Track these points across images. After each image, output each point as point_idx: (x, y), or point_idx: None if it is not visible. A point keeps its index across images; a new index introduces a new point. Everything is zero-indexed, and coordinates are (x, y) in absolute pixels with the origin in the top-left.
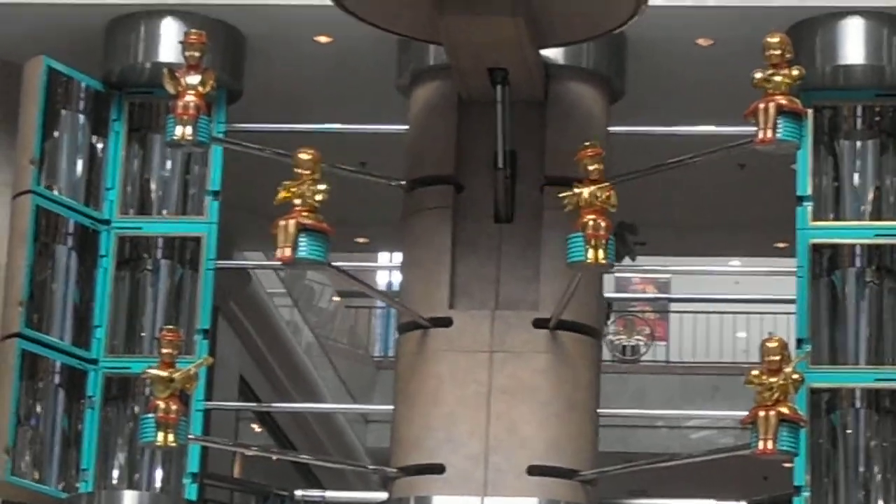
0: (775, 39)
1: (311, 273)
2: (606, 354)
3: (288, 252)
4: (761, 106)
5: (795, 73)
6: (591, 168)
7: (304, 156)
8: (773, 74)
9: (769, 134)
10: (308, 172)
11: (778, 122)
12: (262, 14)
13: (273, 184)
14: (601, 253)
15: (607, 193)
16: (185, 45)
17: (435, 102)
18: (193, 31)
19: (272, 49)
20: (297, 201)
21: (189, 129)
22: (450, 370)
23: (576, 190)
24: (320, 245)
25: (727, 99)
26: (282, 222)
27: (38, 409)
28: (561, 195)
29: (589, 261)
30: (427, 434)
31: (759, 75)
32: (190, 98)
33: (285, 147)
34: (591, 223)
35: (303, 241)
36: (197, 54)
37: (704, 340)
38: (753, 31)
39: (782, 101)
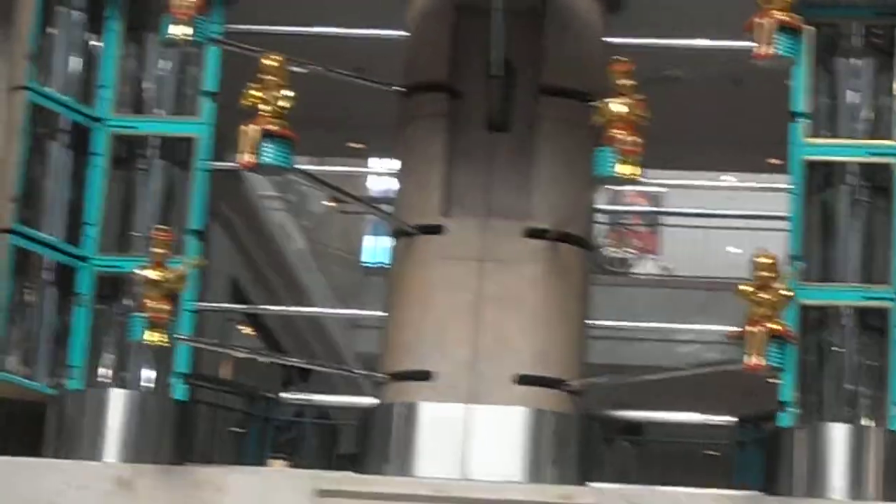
0: None
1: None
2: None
3: (249, 157)
4: (760, 20)
5: None
6: (621, 82)
7: (269, 62)
8: None
9: (767, 49)
10: (274, 78)
11: (776, 36)
12: None
13: None
14: (630, 168)
15: (639, 107)
16: None
17: (432, 8)
18: None
19: None
20: (263, 107)
21: (185, 29)
22: (441, 277)
23: (608, 103)
24: (284, 151)
25: (725, 12)
26: (243, 128)
27: (29, 305)
28: (592, 104)
29: (619, 174)
30: (416, 340)
31: None
32: None
33: (282, 51)
34: (622, 137)
35: (267, 147)
36: None
37: (696, 255)
38: None
39: (781, 16)
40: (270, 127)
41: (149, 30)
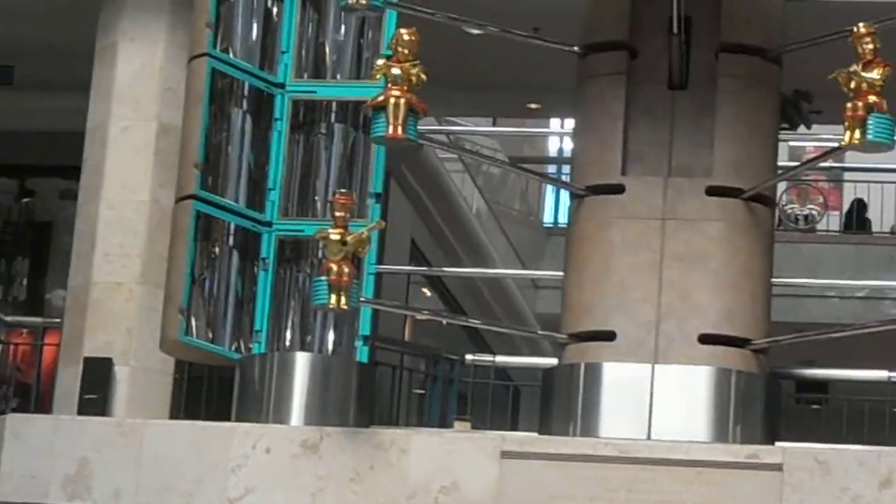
0: (864, 30)
1: (481, 139)
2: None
3: (400, 131)
4: (850, 106)
5: (888, 71)
6: (865, 48)
7: (407, 36)
8: (861, 71)
9: (857, 136)
10: (407, 52)
11: (868, 122)
12: None
13: (444, 48)
14: (858, 134)
15: (887, 71)
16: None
17: None
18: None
19: None
20: (397, 74)
21: None
22: (622, 237)
23: (853, 71)
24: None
25: None
26: (392, 100)
27: (213, 270)
28: (834, 76)
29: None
30: (598, 301)
31: (851, 71)
32: None
33: (457, 12)
34: (861, 104)
35: (412, 120)
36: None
37: (879, 210)
38: None
39: (873, 101)
40: (413, 100)
41: None
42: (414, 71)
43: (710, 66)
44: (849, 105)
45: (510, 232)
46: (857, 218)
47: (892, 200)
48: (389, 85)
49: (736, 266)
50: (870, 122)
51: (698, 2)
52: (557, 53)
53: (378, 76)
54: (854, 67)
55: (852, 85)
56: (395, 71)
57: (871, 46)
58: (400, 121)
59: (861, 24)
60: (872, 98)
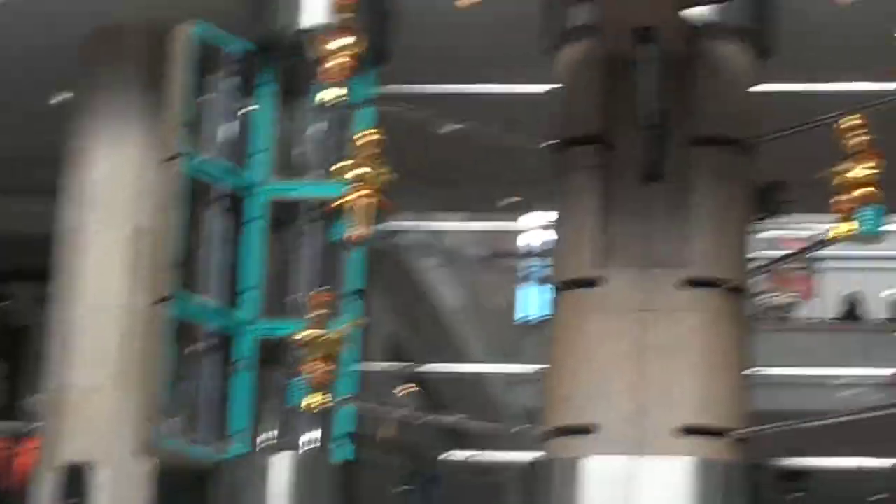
0: None
1: (456, 235)
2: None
3: (365, 231)
4: None
5: None
6: (853, 142)
7: (369, 137)
8: None
9: None
10: (371, 155)
11: None
12: None
13: (420, 145)
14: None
15: (875, 161)
16: (336, 7)
17: (582, 62)
18: None
19: (418, 12)
20: (365, 178)
21: (339, 91)
22: (601, 329)
23: (843, 168)
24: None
25: (877, 54)
26: (357, 200)
27: (191, 372)
28: (826, 174)
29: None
30: (579, 393)
31: None
32: (340, 60)
33: (431, 109)
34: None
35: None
36: (347, 17)
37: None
38: None
39: None
40: (378, 200)
41: (301, 93)
42: (379, 171)
43: (684, 157)
44: (843, 197)
45: (489, 327)
46: (851, 312)
47: (872, 290)
48: (355, 185)
49: (714, 356)
50: (862, 213)
51: (672, 95)
52: (532, 149)
53: (344, 177)
54: (846, 161)
55: (844, 175)
56: (361, 171)
57: (859, 140)
58: (365, 221)
59: (849, 118)
60: (863, 189)
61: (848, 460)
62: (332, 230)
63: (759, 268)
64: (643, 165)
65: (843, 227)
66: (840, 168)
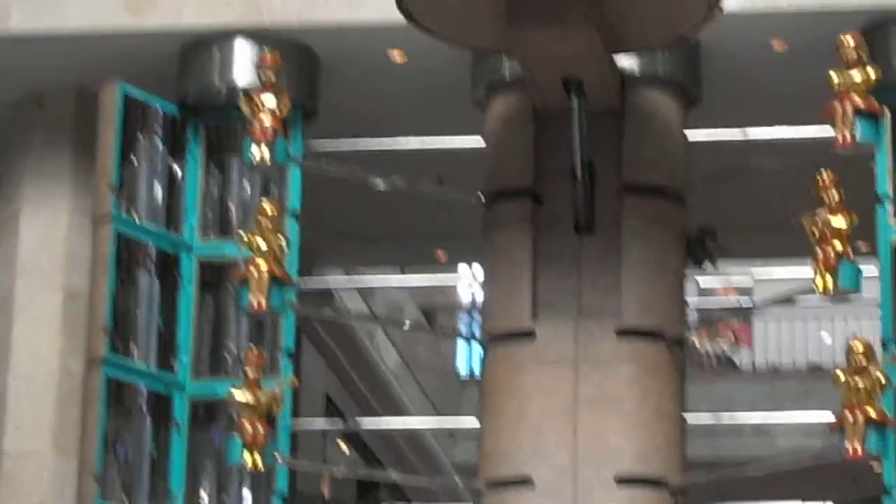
0: (850, 39)
1: (393, 292)
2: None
3: (263, 301)
4: (838, 107)
5: (872, 73)
6: (829, 197)
7: (268, 207)
8: (849, 75)
9: (847, 136)
10: (269, 223)
11: (855, 122)
12: (334, 33)
13: (351, 201)
14: (830, 280)
15: (847, 218)
16: (260, 66)
17: (511, 115)
18: (268, 52)
19: (346, 67)
20: (263, 249)
21: (267, 151)
22: (535, 382)
23: (817, 216)
24: (282, 294)
25: (803, 102)
26: (254, 271)
27: (126, 434)
28: (800, 221)
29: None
30: (515, 447)
31: (835, 76)
32: (266, 119)
33: (362, 163)
34: (832, 252)
35: (276, 290)
36: (272, 75)
37: (790, 344)
38: (828, 33)
39: (859, 101)
40: (276, 270)
41: (231, 153)
42: (277, 242)
43: (614, 208)
44: (819, 252)
45: (425, 383)
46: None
47: (803, 337)
48: (253, 256)
49: (649, 407)
50: (841, 269)
51: (601, 145)
52: (463, 202)
53: (243, 248)
54: (822, 215)
55: (816, 231)
56: (261, 242)
57: (836, 195)
58: (263, 292)
59: (824, 171)
60: (839, 244)
61: None
62: (239, 298)
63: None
64: (573, 217)
65: (823, 282)
66: (817, 217)
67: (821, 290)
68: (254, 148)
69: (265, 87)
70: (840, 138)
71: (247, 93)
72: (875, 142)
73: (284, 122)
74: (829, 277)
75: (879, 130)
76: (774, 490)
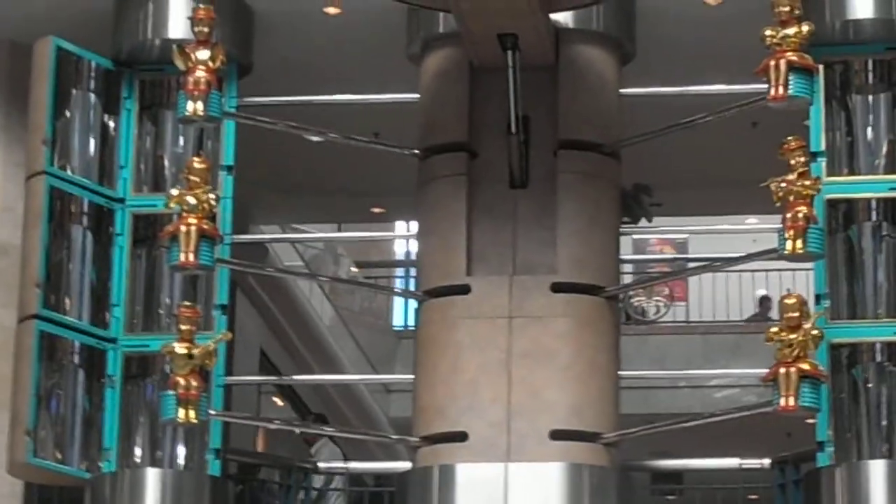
0: None
1: (328, 245)
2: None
3: (192, 258)
4: (772, 63)
5: (806, 29)
6: (795, 161)
7: (198, 164)
8: (783, 31)
9: (780, 90)
10: (199, 180)
11: (789, 78)
12: None
13: (287, 156)
14: (799, 243)
15: (812, 183)
16: (194, 20)
17: (446, 70)
18: (202, 6)
19: (281, 22)
20: (192, 203)
21: (200, 105)
22: (470, 337)
23: (784, 180)
24: (210, 250)
25: (738, 58)
26: (183, 228)
27: (59, 389)
28: (768, 184)
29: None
30: (449, 402)
31: (769, 32)
32: (200, 73)
33: (297, 119)
34: (801, 215)
35: (205, 247)
36: (206, 30)
37: (724, 299)
38: None
39: (793, 57)
40: (205, 226)
41: (164, 107)
42: (205, 198)
43: (549, 163)
44: (787, 216)
45: (360, 337)
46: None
47: (737, 291)
48: (184, 213)
49: (583, 361)
50: (808, 233)
51: (536, 101)
52: (399, 157)
53: (172, 205)
54: (790, 177)
55: (781, 194)
56: (190, 199)
57: (802, 159)
58: (192, 248)
59: (791, 138)
60: (805, 209)
61: (720, 460)
62: (168, 256)
63: (628, 271)
64: (508, 172)
65: (792, 245)
66: (787, 178)
67: (789, 251)
68: (188, 102)
69: (199, 40)
70: (773, 92)
71: (180, 46)
72: (808, 96)
73: (219, 78)
74: (799, 241)
75: (813, 86)
76: (710, 446)
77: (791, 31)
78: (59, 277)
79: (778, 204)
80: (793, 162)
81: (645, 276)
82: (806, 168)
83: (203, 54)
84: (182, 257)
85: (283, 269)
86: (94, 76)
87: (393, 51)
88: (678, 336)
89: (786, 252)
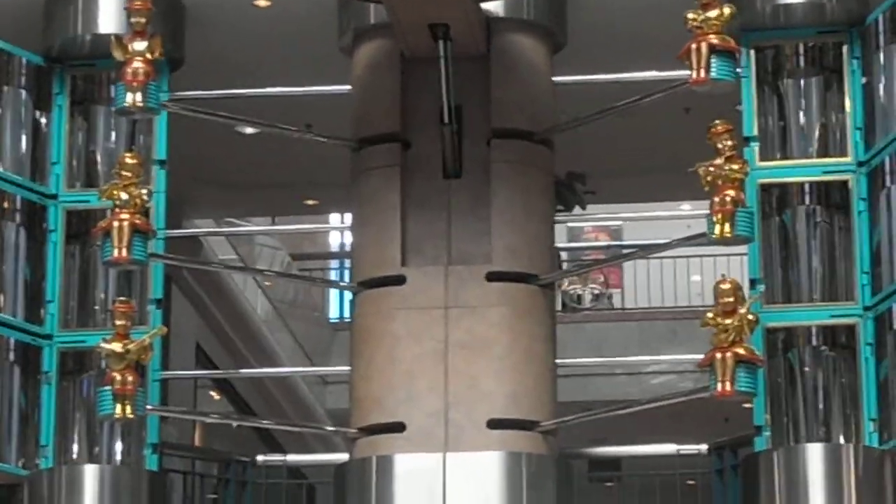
0: None
1: (262, 238)
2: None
3: (125, 253)
4: (693, 46)
5: (727, 11)
6: (722, 144)
7: (129, 159)
8: (704, 14)
9: (702, 74)
10: (131, 175)
11: (711, 61)
12: None
13: (219, 151)
14: (727, 227)
15: (740, 166)
16: (130, 11)
17: (378, 61)
18: None
19: (212, 15)
20: (124, 198)
21: (139, 96)
22: (406, 328)
23: (712, 165)
24: (143, 245)
25: (669, 44)
26: (116, 223)
27: None
28: (696, 169)
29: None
30: (386, 393)
31: (691, 16)
32: (138, 64)
33: (227, 111)
34: (728, 199)
35: (137, 242)
36: (143, 20)
37: (659, 286)
38: None
39: (714, 40)
40: (138, 221)
41: (96, 103)
42: (136, 193)
43: (482, 153)
44: (716, 199)
45: (296, 329)
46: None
47: (671, 277)
48: (116, 208)
49: (519, 350)
50: (737, 216)
51: (468, 90)
52: (332, 149)
53: (104, 199)
54: (717, 161)
55: (710, 178)
56: (122, 194)
57: (730, 142)
58: (125, 244)
59: (718, 122)
60: (733, 192)
61: (658, 447)
62: (101, 252)
63: (563, 259)
64: (442, 162)
65: (720, 229)
66: (715, 163)
67: (717, 236)
68: (126, 94)
69: (135, 31)
70: (695, 75)
71: (118, 38)
72: (732, 79)
73: (153, 69)
74: (727, 225)
75: (735, 69)
76: (648, 433)
77: (713, 13)
78: None
79: (707, 189)
80: (720, 146)
81: (578, 264)
82: (733, 152)
83: (140, 45)
84: (115, 253)
85: (217, 262)
86: (25, 72)
87: (324, 43)
88: (614, 323)
89: (714, 236)
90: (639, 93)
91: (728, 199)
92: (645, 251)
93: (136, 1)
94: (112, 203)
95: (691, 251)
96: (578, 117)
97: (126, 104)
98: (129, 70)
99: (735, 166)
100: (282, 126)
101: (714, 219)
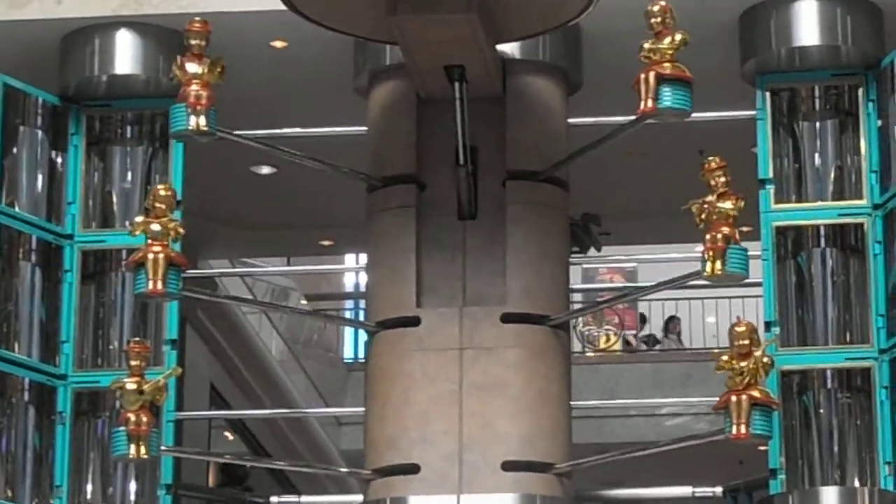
0: (655, 7)
1: (277, 278)
2: (577, 346)
3: (160, 286)
4: (642, 76)
5: (679, 38)
6: (715, 181)
7: (163, 191)
8: (658, 43)
9: (650, 104)
10: (165, 207)
11: (662, 90)
12: (215, 22)
13: (234, 190)
14: (719, 265)
15: (733, 203)
16: (189, 33)
17: (393, 102)
18: (197, 19)
19: (228, 57)
20: (156, 230)
21: (203, 120)
22: (420, 369)
23: (705, 201)
24: (178, 279)
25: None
26: (150, 256)
27: (9, 426)
28: (689, 206)
29: (707, 273)
30: (400, 434)
31: (647, 46)
32: (199, 88)
33: (244, 154)
34: (720, 236)
35: (172, 275)
36: (202, 43)
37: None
38: (707, 17)
39: (665, 69)
40: (172, 254)
41: (112, 143)
42: (172, 225)
43: (498, 194)
44: (707, 237)
45: (310, 370)
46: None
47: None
48: (149, 241)
49: (534, 391)
50: (729, 253)
51: (484, 131)
52: (347, 190)
53: (137, 233)
54: (710, 198)
55: (704, 216)
56: (154, 227)
57: (723, 179)
58: (160, 276)
59: (712, 158)
60: (726, 229)
61: (673, 489)
62: (135, 285)
63: (577, 300)
64: (457, 203)
65: (712, 267)
66: (707, 200)
67: (709, 274)
68: (190, 117)
69: (192, 54)
70: (642, 105)
71: (179, 59)
72: (685, 108)
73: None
74: (718, 263)
75: (688, 98)
76: (663, 475)
77: (665, 42)
78: (7, 315)
79: (700, 226)
80: (713, 182)
81: (589, 304)
82: (726, 188)
83: (194, 68)
84: (150, 285)
85: (239, 297)
86: (41, 112)
87: (340, 84)
88: (629, 365)
89: (706, 274)
90: (654, 134)
91: (719, 236)
92: (638, 292)
93: (195, 22)
94: (144, 236)
95: (706, 293)
96: (594, 159)
97: (190, 127)
98: (191, 92)
99: (728, 204)
100: (313, 158)
101: (706, 256)
